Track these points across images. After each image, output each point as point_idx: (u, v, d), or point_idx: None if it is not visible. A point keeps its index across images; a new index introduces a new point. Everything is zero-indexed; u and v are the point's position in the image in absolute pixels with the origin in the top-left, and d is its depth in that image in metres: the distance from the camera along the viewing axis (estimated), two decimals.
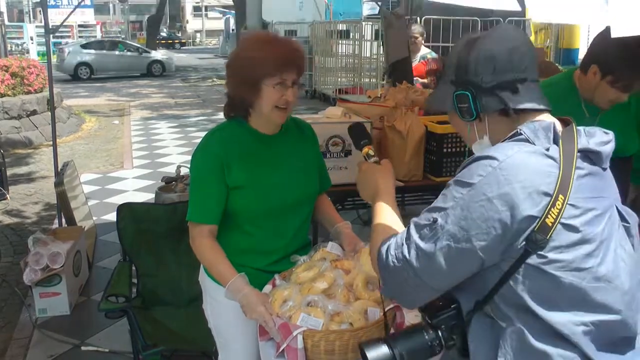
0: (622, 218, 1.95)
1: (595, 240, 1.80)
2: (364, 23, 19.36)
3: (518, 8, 4.57)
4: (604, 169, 1.94)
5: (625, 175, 3.64)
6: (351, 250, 2.83)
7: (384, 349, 1.90)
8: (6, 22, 26.17)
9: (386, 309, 2.48)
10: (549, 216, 1.72)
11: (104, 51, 31.17)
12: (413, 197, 6.22)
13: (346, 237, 2.95)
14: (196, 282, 3.14)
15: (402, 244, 1.87)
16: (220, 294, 2.74)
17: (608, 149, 1.92)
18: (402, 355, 1.90)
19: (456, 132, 4.79)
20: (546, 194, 1.74)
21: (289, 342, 2.36)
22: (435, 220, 1.81)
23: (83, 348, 5.07)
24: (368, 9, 29.36)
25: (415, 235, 1.85)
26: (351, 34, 20.31)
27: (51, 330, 5.36)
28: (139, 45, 34.48)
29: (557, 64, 9.88)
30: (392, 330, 2.52)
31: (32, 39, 32.85)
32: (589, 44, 3.51)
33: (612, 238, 1.86)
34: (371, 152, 2.50)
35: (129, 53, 31.95)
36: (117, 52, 31.61)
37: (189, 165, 2.99)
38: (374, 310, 2.49)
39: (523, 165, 1.77)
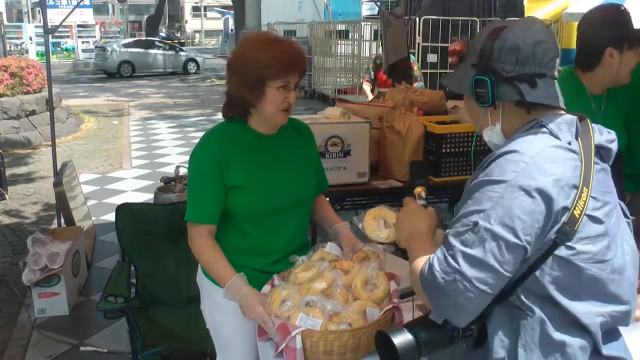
0: (624, 214, 2.02)
1: (611, 233, 1.87)
2: (363, 23, 19.39)
3: None
4: (610, 166, 2.00)
5: (619, 171, 3.71)
6: (350, 251, 2.83)
7: (407, 336, 1.89)
8: (5, 22, 26.14)
9: (384, 310, 2.49)
10: (576, 208, 1.78)
11: (144, 50, 31.95)
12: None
13: (345, 237, 2.95)
14: (195, 283, 3.15)
15: (446, 257, 1.82)
16: (219, 294, 2.74)
17: (614, 147, 1.99)
18: (425, 342, 1.89)
19: (455, 132, 4.85)
20: (574, 187, 1.80)
21: (287, 342, 2.36)
22: (476, 224, 1.79)
23: (82, 348, 5.07)
24: (367, 9, 29.37)
25: (457, 244, 1.81)
26: (350, 34, 20.34)
27: (50, 330, 5.36)
28: (175, 44, 35.46)
29: None
30: (384, 328, 2.52)
31: (31, 39, 32.83)
32: (577, 45, 3.57)
33: (620, 232, 1.93)
34: (423, 195, 2.36)
35: (166, 52, 32.78)
36: (155, 51, 32.40)
37: (187, 166, 2.99)
38: (373, 310, 2.50)
39: (554, 159, 1.82)
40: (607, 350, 1.90)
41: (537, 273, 1.81)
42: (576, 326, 1.85)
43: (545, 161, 1.80)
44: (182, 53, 33.67)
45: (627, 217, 2.02)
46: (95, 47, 33.37)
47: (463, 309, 1.82)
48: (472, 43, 2.10)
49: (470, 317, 1.86)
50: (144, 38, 39.59)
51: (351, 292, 2.58)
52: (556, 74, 1.99)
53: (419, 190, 2.35)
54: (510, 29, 1.97)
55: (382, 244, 2.67)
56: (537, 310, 1.85)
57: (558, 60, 2.00)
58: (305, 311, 2.44)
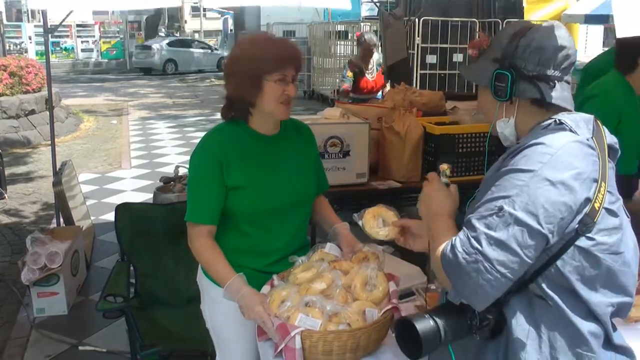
0: (625, 213, 2.07)
1: (623, 228, 1.95)
2: (362, 24, 19.36)
3: None
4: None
5: None
6: (349, 252, 2.83)
7: (430, 322, 1.92)
8: (5, 22, 26.11)
9: (383, 310, 2.49)
10: (596, 201, 1.86)
11: (185, 49, 33.86)
12: (411, 199, 6.22)
13: (344, 238, 2.96)
14: (194, 282, 3.15)
15: (469, 238, 1.87)
16: (218, 294, 2.75)
17: (618, 149, 2.09)
18: (446, 330, 1.92)
19: (453, 133, 4.85)
20: (594, 180, 1.89)
21: (286, 343, 2.37)
22: (501, 208, 1.85)
23: (81, 348, 5.08)
24: (366, 9, 29.30)
25: (481, 227, 1.86)
26: (349, 35, 20.30)
27: (49, 329, 5.37)
28: (210, 44, 36.96)
29: None
30: (390, 332, 2.53)
31: (30, 38, 32.80)
32: (619, 44, 3.69)
33: (626, 228, 2.00)
34: (447, 172, 2.33)
35: (202, 50, 34.63)
36: (194, 50, 34.22)
37: (187, 166, 3.00)
38: (372, 310, 2.50)
39: (577, 153, 1.90)
40: (616, 339, 1.99)
41: (559, 263, 1.87)
42: (592, 316, 1.92)
43: (569, 155, 1.88)
44: (217, 51, 35.43)
45: (628, 216, 2.07)
46: (136, 46, 35.15)
47: (482, 291, 1.86)
48: (495, 38, 2.18)
49: (488, 301, 1.90)
50: (183, 37, 41.70)
51: (350, 293, 2.58)
52: (570, 79, 2.07)
53: (444, 167, 2.35)
54: (538, 30, 2.04)
55: (381, 241, 2.69)
56: (557, 299, 1.90)
57: (573, 67, 2.08)
58: (304, 311, 2.45)
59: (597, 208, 1.85)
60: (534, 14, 16.23)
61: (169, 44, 33.40)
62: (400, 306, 2.59)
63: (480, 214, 1.89)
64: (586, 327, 1.91)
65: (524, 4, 15.04)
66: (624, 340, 2.04)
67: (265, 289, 2.68)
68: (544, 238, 1.83)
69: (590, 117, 2.04)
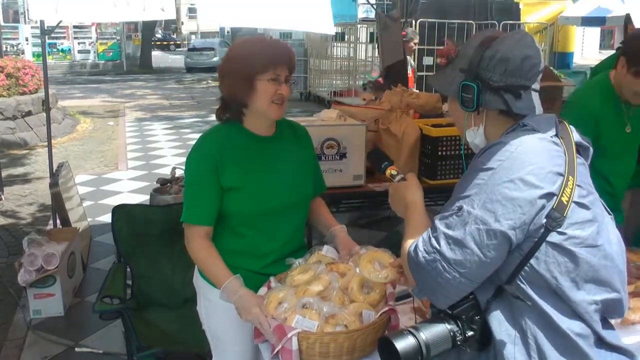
0: (606, 210, 2.09)
1: (598, 221, 1.94)
2: (359, 26, 19.34)
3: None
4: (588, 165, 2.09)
5: None
6: (346, 254, 2.83)
7: (410, 339, 1.91)
8: (1, 23, 26.07)
9: (380, 312, 2.50)
10: (563, 195, 1.86)
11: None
12: None
13: (341, 240, 2.96)
14: (190, 284, 3.15)
15: (429, 238, 1.92)
16: (215, 295, 2.75)
17: (591, 147, 2.11)
18: (427, 345, 1.91)
19: (452, 134, 4.86)
20: (559, 174, 1.88)
21: (283, 344, 2.37)
22: (460, 208, 1.89)
23: (77, 349, 5.07)
24: (363, 11, 29.32)
25: (441, 226, 1.90)
26: (346, 37, 20.31)
27: (45, 331, 5.36)
28: None
29: (551, 68, 9.92)
30: (387, 333, 2.54)
31: (27, 39, 32.75)
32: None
33: (605, 222, 2.01)
34: (394, 172, 2.49)
35: None
36: None
37: (183, 167, 3.00)
38: (369, 312, 2.51)
39: (537, 148, 1.91)
40: (609, 338, 1.97)
41: (533, 262, 1.87)
42: (576, 315, 1.91)
43: (528, 151, 1.89)
44: None
45: (609, 213, 2.09)
46: (188, 49, 37.77)
47: (441, 290, 1.90)
48: (462, 48, 2.18)
49: (449, 300, 1.93)
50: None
51: (347, 295, 2.59)
52: (537, 86, 2.07)
53: (389, 171, 2.50)
54: (503, 40, 2.04)
55: (380, 243, 2.70)
56: (538, 300, 1.90)
57: (541, 75, 2.08)
58: (301, 313, 2.45)
59: (565, 202, 1.85)
60: (530, 16, 16.29)
61: (219, 44, 35.33)
62: (397, 308, 2.59)
63: (442, 215, 1.94)
64: (571, 327, 1.90)
65: (521, 6, 15.09)
66: (619, 340, 2.03)
67: (263, 290, 2.69)
68: (504, 236, 1.83)
69: (552, 115, 2.05)
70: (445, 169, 4.99)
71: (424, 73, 12.69)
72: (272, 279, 2.75)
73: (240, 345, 2.95)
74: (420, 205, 2.24)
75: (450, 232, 1.87)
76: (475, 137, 2.14)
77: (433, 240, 1.89)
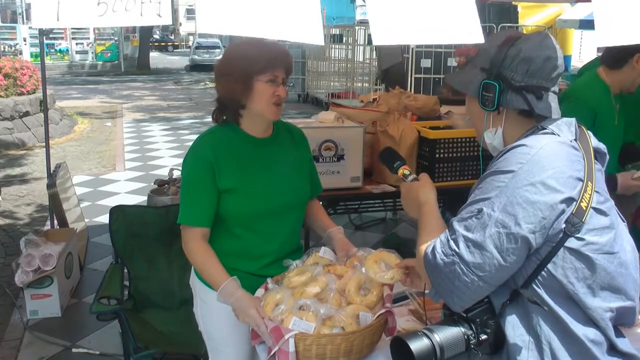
0: (620, 217, 2.08)
1: (615, 228, 1.94)
2: (357, 28, 19.34)
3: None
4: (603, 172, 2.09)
5: None
6: (344, 256, 2.83)
7: (424, 341, 1.91)
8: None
9: (377, 314, 2.50)
10: (583, 200, 1.85)
11: None
12: None
13: (338, 242, 2.96)
14: (187, 285, 3.15)
15: (448, 240, 1.90)
16: (211, 297, 2.75)
17: (608, 155, 2.11)
18: (442, 347, 1.91)
19: (450, 137, 4.87)
20: (579, 179, 1.87)
21: (280, 346, 2.37)
22: (480, 210, 1.87)
23: (74, 350, 5.07)
24: (361, 13, 29.33)
25: (460, 229, 1.88)
26: (344, 39, 20.32)
27: (42, 332, 5.36)
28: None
29: None
30: (384, 336, 2.54)
31: (25, 40, 32.74)
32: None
33: (620, 229, 2.00)
34: (407, 172, 2.49)
35: None
36: None
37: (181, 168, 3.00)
38: (366, 314, 2.51)
39: (558, 153, 1.90)
40: (621, 346, 1.96)
41: (550, 267, 1.86)
42: (591, 322, 1.90)
43: (549, 154, 1.88)
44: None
45: (623, 220, 2.08)
46: (195, 47, 39.09)
47: (458, 293, 1.88)
48: (484, 46, 2.17)
49: (466, 303, 1.92)
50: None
51: (344, 297, 2.59)
52: (557, 89, 2.07)
53: (401, 171, 2.49)
54: (526, 40, 2.03)
55: (377, 244, 2.70)
56: (554, 305, 1.89)
57: (560, 77, 2.08)
58: (298, 315, 2.45)
59: (584, 207, 1.84)
60: (528, 19, 16.30)
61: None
62: (394, 310, 2.60)
63: (461, 217, 1.92)
64: (586, 333, 1.89)
65: (519, 9, 15.08)
66: (631, 347, 2.01)
67: (260, 292, 2.69)
68: (524, 240, 1.82)
69: (572, 119, 2.04)
70: (443, 172, 4.99)
71: (422, 75, 12.69)
72: (269, 280, 2.75)
73: (236, 346, 2.95)
74: (434, 205, 2.23)
75: (469, 235, 1.85)
76: (493, 138, 2.12)
77: (452, 243, 1.88)
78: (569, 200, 1.84)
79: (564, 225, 1.83)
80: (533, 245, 1.83)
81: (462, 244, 1.85)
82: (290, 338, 2.36)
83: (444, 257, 1.88)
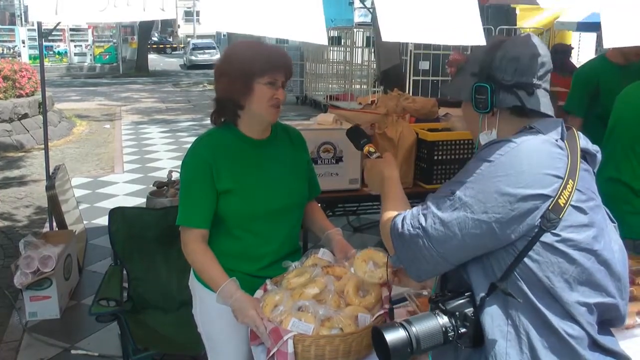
0: (610, 218, 2.11)
1: (597, 227, 1.96)
2: (355, 30, 19.38)
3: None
4: (594, 173, 2.10)
5: None
6: (342, 257, 2.85)
7: (400, 332, 1.92)
8: None
9: (376, 315, 2.51)
10: (561, 197, 1.87)
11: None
12: None
13: (337, 243, 2.97)
14: (186, 287, 3.15)
15: (419, 214, 1.99)
16: (210, 298, 2.76)
17: (600, 156, 2.12)
18: (418, 338, 1.92)
19: (448, 139, 4.88)
20: (557, 177, 1.90)
21: (279, 347, 2.38)
22: (453, 192, 1.94)
23: (73, 352, 5.08)
24: (359, 15, 29.36)
25: (433, 206, 1.97)
26: (342, 41, 20.31)
27: (41, 333, 5.36)
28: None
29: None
30: (379, 324, 2.55)
31: (24, 42, 32.76)
32: None
33: (607, 230, 2.02)
34: (372, 150, 2.61)
35: None
36: None
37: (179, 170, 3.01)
38: (365, 316, 2.52)
39: (538, 149, 1.94)
40: (604, 342, 1.97)
41: (527, 260, 1.88)
42: (569, 317, 1.92)
43: (529, 150, 1.92)
44: None
45: (613, 221, 2.11)
46: (192, 48, 40.16)
47: (418, 264, 1.99)
48: (472, 53, 2.23)
49: (424, 275, 2.02)
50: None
51: (343, 298, 2.60)
52: (547, 86, 2.10)
53: (367, 148, 2.64)
54: (512, 41, 2.09)
55: (375, 245, 2.71)
56: (533, 298, 1.91)
57: (549, 75, 2.11)
58: (297, 316, 2.46)
59: (562, 204, 1.87)
60: (526, 21, 16.29)
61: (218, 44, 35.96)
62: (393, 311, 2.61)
63: (436, 195, 2.01)
64: (564, 327, 1.90)
65: (517, 11, 15.09)
66: (618, 346, 2.03)
67: (259, 293, 2.70)
68: (489, 228, 1.86)
69: (560, 120, 2.08)
70: (441, 174, 5.00)
71: (420, 77, 12.71)
72: (268, 281, 2.76)
73: (235, 347, 2.96)
74: (397, 180, 2.38)
75: (438, 213, 1.93)
76: (488, 140, 2.14)
77: (421, 217, 1.97)
78: (541, 197, 1.86)
79: (539, 221, 1.86)
80: (499, 237, 1.87)
81: (429, 219, 1.94)
82: (289, 339, 2.37)
83: (410, 229, 1.97)
